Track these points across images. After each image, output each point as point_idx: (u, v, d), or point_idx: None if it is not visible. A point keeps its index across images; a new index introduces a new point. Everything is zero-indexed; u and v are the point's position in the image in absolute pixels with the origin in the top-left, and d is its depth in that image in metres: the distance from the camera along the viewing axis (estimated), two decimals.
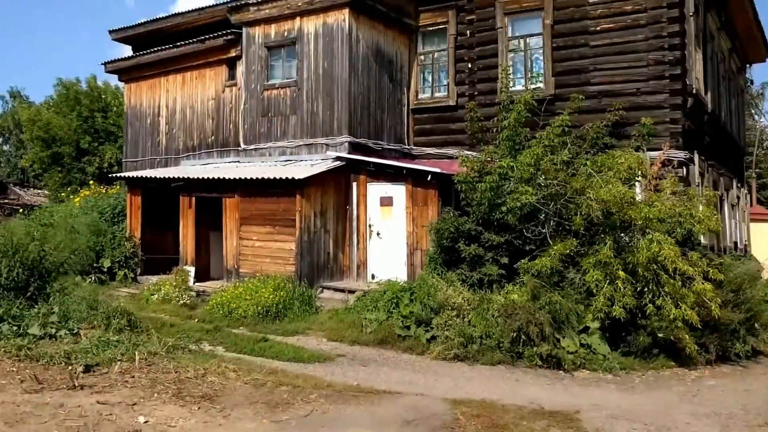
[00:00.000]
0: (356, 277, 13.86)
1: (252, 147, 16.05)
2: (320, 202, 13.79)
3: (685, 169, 13.20)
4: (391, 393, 7.46)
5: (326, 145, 14.78)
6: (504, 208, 11.08)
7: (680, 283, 9.85)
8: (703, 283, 9.63)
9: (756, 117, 37.24)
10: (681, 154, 13.06)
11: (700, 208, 11.12)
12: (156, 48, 18.17)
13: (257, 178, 13.55)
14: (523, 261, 10.72)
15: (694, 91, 13.65)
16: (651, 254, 9.68)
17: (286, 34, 15.54)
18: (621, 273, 9.86)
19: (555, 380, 8.81)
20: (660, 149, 13.04)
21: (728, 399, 7.92)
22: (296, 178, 12.97)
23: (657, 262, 9.79)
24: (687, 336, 9.64)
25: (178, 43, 17.33)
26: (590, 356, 9.69)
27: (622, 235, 10.65)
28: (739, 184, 18.96)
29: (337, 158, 14.25)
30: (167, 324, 10.95)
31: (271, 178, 13.30)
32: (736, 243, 17.78)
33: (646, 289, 9.93)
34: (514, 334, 9.70)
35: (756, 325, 10.75)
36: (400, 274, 12.93)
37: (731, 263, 11.11)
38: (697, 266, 9.91)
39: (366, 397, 7.13)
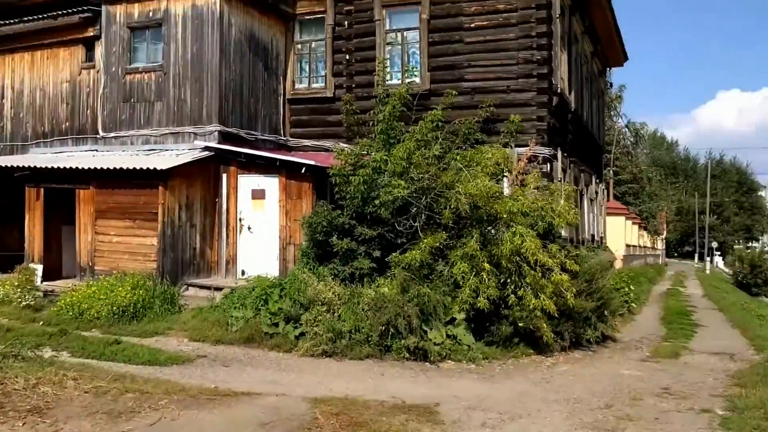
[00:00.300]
0: (225, 274, 13.33)
1: (112, 135, 14.96)
2: (186, 195, 13.11)
3: (549, 165, 13.83)
4: (250, 394, 7.15)
5: (194, 134, 14.06)
6: (377, 202, 11.03)
7: (540, 274, 10.27)
8: (560, 274, 10.09)
9: (614, 118, 40.13)
10: (546, 151, 13.67)
11: (561, 202, 11.66)
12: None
13: (115, 169, 12.62)
14: (394, 254, 10.74)
15: (559, 91, 14.30)
16: (514, 247, 10.01)
17: (151, 14, 14.60)
18: (486, 265, 10.13)
19: (420, 372, 8.87)
20: (527, 145, 13.57)
21: (577, 384, 8.32)
22: (159, 168, 12.23)
23: (520, 254, 10.15)
24: (545, 324, 10.09)
25: (26, 18, 15.73)
26: (456, 347, 9.88)
27: (489, 228, 10.95)
28: (597, 180, 20.25)
29: (206, 148, 13.61)
30: (2, 329, 9.91)
31: (131, 168, 12.44)
32: (593, 235, 18.99)
33: (509, 281, 10.29)
34: (383, 328, 9.69)
35: (606, 312, 11.47)
36: (272, 270, 12.57)
37: (586, 255, 11.77)
38: (556, 258, 10.38)
39: (222, 401, 6.78)
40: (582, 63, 18.06)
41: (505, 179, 13.00)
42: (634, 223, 31.35)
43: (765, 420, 6.45)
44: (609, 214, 23.22)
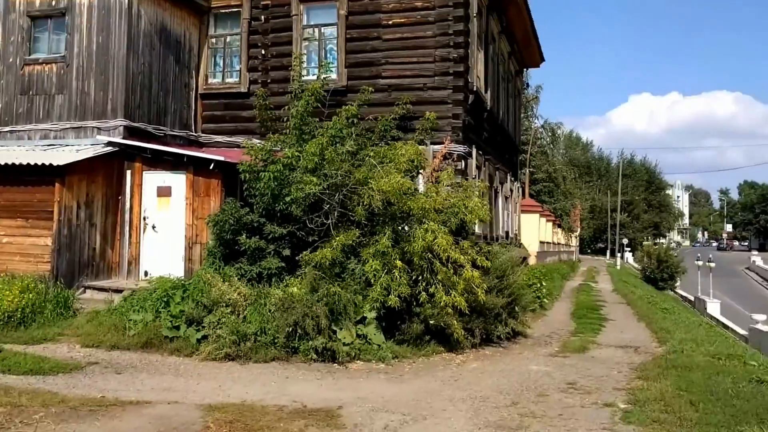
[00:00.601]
0: (127, 275, 12.62)
1: (7, 129, 13.95)
2: (86, 192, 12.33)
3: (464, 163, 13.89)
4: (139, 403, 6.69)
5: (98, 128, 13.29)
6: (288, 199, 10.72)
7: (452, 270, 10.26)
8: (472, 271, 10.09)
9: (531, 119, 41.27)
10: (461, 148, 13.71)
11: (475, 199, 11.68)
12: None
13: (6, 164, 11.71)
14: (305, 253, 10.46)
15: (475, 89, 14.40)
16: (426, 244, 9.93)
17: (53, 3, 13.71)
18: (398, 263, 10.01)
19: (327, 374, 8.62)
20: (443, 143, 13.57)
21: (485, 381, 8.31)
22: (55, 164, 11.44)
23: (432, 251, 10.08)
24: (455, 322, 10.09)
25: None
26: (366, 346, 9.70)
27: (402, 225, 10.83)
28: (512, 178, 20.65)
29: (109, 143, 12.85)
30: None
31: (25, 164, 11.58)
32: (507, 232, 19.34)
33: (421, 278, 10.21)
34: (290, 329, 9.38)
35: (517, 308, 11.60)
36: (178, 271, 11.99)
37: (498, 251, 11.85)
38: (468, 254, 10.38)
39: (106, 411, 6.30)
40: (499, 62, 18.33)
41: (420, 176, 12.98)
42: (548, 221, 32.31)
43: (664, 412, 6.60)
44: (524, 211, 23.76)
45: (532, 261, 24.07)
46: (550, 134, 42.27)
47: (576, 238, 55.61)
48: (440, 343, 10.39)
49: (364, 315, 9.98)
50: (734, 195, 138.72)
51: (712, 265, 37.65)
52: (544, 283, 17.15)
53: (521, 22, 19.48)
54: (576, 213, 49.33)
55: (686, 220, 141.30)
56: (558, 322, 14.69)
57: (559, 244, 39.91)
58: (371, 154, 11.25)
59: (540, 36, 21.93)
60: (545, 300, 17.03)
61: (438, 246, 9.82)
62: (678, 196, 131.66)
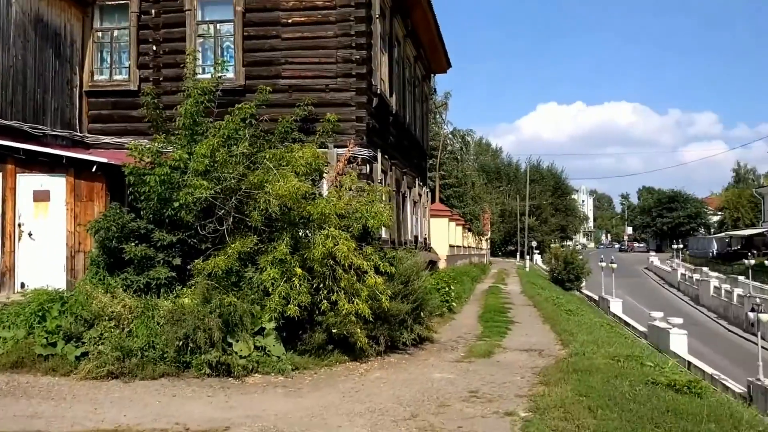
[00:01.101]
0: (0, 288, 11.42)
1: None
2: None
3: (369, 167, 13.58)
4: None
5: None
6: (177, 204, 9.99)
7: (356, 277, 9.88)
8: (375, 277, 9.75)
9: (441, 125, 41.74)
10: (365, 152, 13.39)
11: (382, 204, 11.38)
12: None
13: None
14: (197, 261, 9.77)
15: (378, 92, 14.13)
16: (326, 250, 9.50)
17: None
18: (298, 270, 9.54)
19: (220, 390, 8.02)
20: (346, 146, 13.20)
21: (387, 392, 7.97)
22: None
23: (334, 257, 9.67)
24: (359, 330, 9.73)
25: None
26: (265, 359, 9.17)
27: (302, 231, 10.36)
28: (421, 183, 20.60)
29: None
30: None
31: None
32: (416, 237, 19.23)
33: (322, 285, 9.77)
34: (181, 342, 8.72)
35: (422, 313, 11.37)
36: (59, 282, 10.96)
37: (403, 256, 11.58)
38: (371, 260, 10.05)
39: None
40: (404, 66, 18.21)
41: (324, 181, 12.57)
42: (458, 225, 32.69)
43: (563, 420, 6.47)
44: (433, 216, 23.82)
45: (442, 265, 24.17)
46: (460, 141, 42.93)
47: (487, 241, 56.86)
48: (344, 352, 10.01)
49: (263, 326, 9.44)
50: (634, 199, 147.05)
51: (615, 266, 39.31)
52: (452, 287, 17.12)
53: (426, 26, 19.46)
54: (486, 217, 50.36)
55: (591, 223, 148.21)
56: (466, 325, 14.65)
57: (469, 247, 40.53)
58: (267, 156, 10.68)
59: (448, 43, 22.10)
60: (454, 304, 17.00)
61: (339, 252, 9.42)
62: (583, 201, 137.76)
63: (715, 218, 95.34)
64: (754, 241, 56.62)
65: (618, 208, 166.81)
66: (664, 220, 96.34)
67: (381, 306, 9.87)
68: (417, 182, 19.69)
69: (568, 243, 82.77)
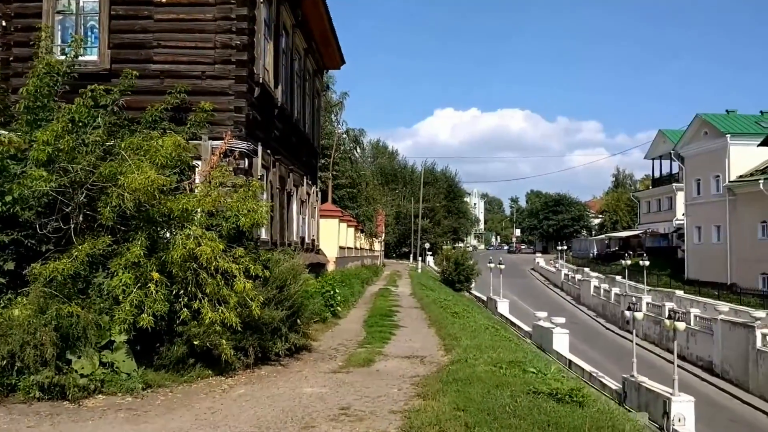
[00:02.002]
0: None
1: None
2: None
3: (248, 161, 12.59)
4: None
5: None
6: (9, 198, 8.57)
7: (224, 282, 8.93)
8: (244, 282, 8.85)
9: (336, 124, 41.00)
10: (244, 145, 12.40)
11: (251, 201, 10.43)
12: None
13: None
14: (34, 265, 8.41)
15: (261, 81, 13.16)
16: (186, 252, 8.49)
17: None
18: (155, 275, 8.47)
19: (47, 417, 6.82)
20: (224, 138, 12.15)
21: (248, 412, 7.11)
22: None
23: (197, 260, 8.66)
24: (224, 341, 8.82)
25: None
26: (111, 377, 8.04)
27: (164, 230, 9.26)
28: (310, 182, 19.73)
29: None
30: None
31: None
32: (303, 238, 18.36)
33: (183, 292, 8.75)
34: (5, 362, 7.41)
35: (299, 320, 10.59)
36: None
37: (280, 258, 10.72)
38: (242, 263, 9.12)
39: None
40: (293, 58, 17.29)
41: (198, 176, 11.47)
42: (350, 226, 32.10)
43: None
44: (323, 216, 23.03)
45: (331, 267, 23.44)
46: (353, 141, 42.32)
47: (381, 243, 56.76)
48: (208, 366, 9.07)
49: (113, 339, 8.28)
50: (522, 203, 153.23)
51: (503, 266, 40.30)
52: (338, 290, 16.43)
53: (318, 17, 18.63)
54: (380, 218, 50.11)
55: (482, 226, 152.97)
56: (349, 331, 14.00)
57: (362, 249, 40.08)
58: (123, 146, 9.45)
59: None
60: (339, 308, 16.33)
61: (202, 254, 8.42)
62: (475, 204, 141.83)
63: (597, 221, 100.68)
64: (631, 243, 59.93)
65: (507, 211, 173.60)
66: (549, 222, 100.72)
67: (251, 313, 8.99)
68: (305, 181, 18.81)
69: (459, 245, 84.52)
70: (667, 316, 22.22)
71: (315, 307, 13.11)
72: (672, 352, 31.16)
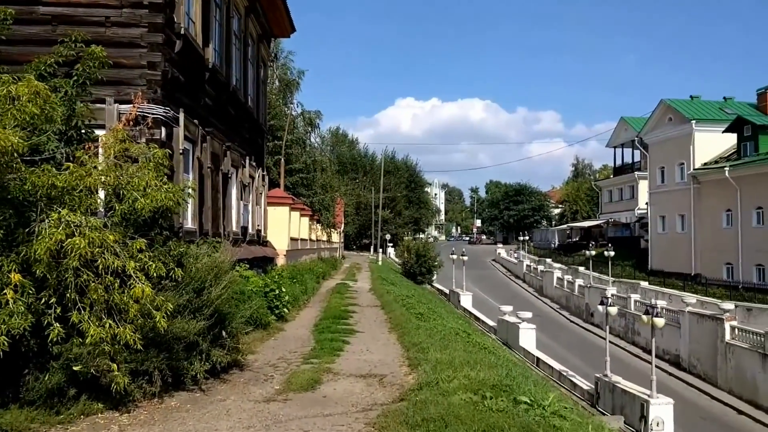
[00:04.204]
0: None
1: None
2: None
3: (165, 131, 10.14)
4: None
5: None
6: None
7: (119, 285, 6.57)
8: (143, 285, 6.49)
9: (290, 105, 38.21)
10: (160, 110, 9.96)
11: (187, 180, 8.03)
12: None
13: None
14: None
15: (183, 32, 10.69)
16: (54, 244, 6.08)
17: None
18: (15, 276, 6.08)
19: None
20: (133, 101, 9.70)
21: None
22: None
23: (80, 257, 6.27)
24: (116, 365, 6.46)
25: None
26: None
27: (30, 214, 6.80)
28: (254, 164, 17.24)
29: None
30: None
31: None
32: (245, 228, 15.88)
33: (54, 300, 6.35)
34: None
35: (223, 332, 8.25)
36: None
37: (200, 253, 8.34)
38: (141, 260, 6.76)
39: None
40: (230, 14, 14.73)
41: (101, 149, 8.96)
42: (303, 215, 29.57)
43: None
44: (271, 204, 20.60)
45: (281, 261, 21.05)
46: (308, 124, 39.47)
47: (340, 234, 54.37)
48: (98, 398, 6.78)
49: None
50: (483, 193, 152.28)
51: (465, 258, 38.54)
52: (285, 289, 14.08)
53: None
54: (338, 208, 47.58)
55: (442, 216, 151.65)
56: (295, 339, 11.71)
57: (318, 240, 37.62)
58: None
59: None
60: (286, 310, 14.00)
61: (74, 247, 6.03)
62: (435, 194, 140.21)
63: (557, 211, 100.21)
64: (592, 233, 59.11)
65: (468, 202, 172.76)
66: (510, 212, 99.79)
67: (156, 326, 6.66)
68: (248, 162, 16.32)
69: (420, 236, 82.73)
70: (644, 312, 20.98)
71: (253, 311, 10.81)
72: (637, 346, 30.28)
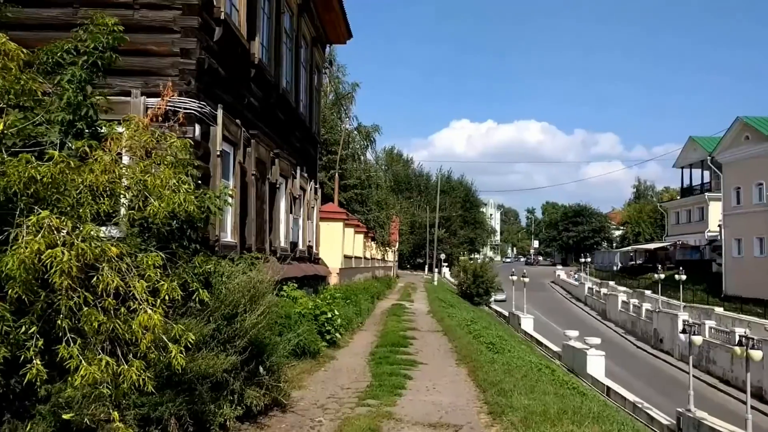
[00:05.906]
0: None
1: None
2: None
3: (199, 129, 8.74)
4: None
5: None
6: None
7: (124, 310, 5.08)
8: (150, 311, 4.97)
9: (345, 118, 37.00)
10: (194, 105, 8.57)
11: (227, 186, 6.53)
12: None
13: None
14: None
15: (223, 17, 9.31)
16: (32, 255, 4.62)
17: None
18: None
19: None
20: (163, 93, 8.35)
21: None
22: None
23: (69, 273, 4.80)
24: (117, 413, 4.94)
25: None
26: None
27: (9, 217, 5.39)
28: (306, 175, 15.77)
29: None
30: None
31: None
32: (294, 243, 14.34)
33: (34, 329, 4.88)
34: None
35: (261, 368, 6.65)
36: None
37: (233, 270, 6.78)
38: (152, 278, 5.25)
39: None
40: (282, 11, 13.40)
41: (126, 144, 7.58)
42: (357, 232, 28.00)
43: None
44: (324, 219, 19.17)
45: (333, 280, 19.55)
46: (365, 139, 38.07)
47: (394, 253, 52.81)
48: None
49: None
50: (539, 214, 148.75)
51: (527, 279, 36.58)
52: (337, 312, 12.47)
53: None
54: (394, 226, 46.06)
55: (498, 237, 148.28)
56: (349, 371, 10.05)
57: (373, 259, 36.08)
58: None
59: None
60: (338, 335, 12.38)
61: (54, 261, 4.56)
62: (491, 214, 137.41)
63: (618, 233, 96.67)
64: (658, 255, 56.19)
65: (524, 222, 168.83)
66: (569, 233, 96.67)
67: (171, 364, 5.13)
68: (299, 173, 14.89)
69: (476, 255, 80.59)
70: (737, 342, 18.83)
71: (301, 338, 9.22)
72: (713, 375, 27.46)
